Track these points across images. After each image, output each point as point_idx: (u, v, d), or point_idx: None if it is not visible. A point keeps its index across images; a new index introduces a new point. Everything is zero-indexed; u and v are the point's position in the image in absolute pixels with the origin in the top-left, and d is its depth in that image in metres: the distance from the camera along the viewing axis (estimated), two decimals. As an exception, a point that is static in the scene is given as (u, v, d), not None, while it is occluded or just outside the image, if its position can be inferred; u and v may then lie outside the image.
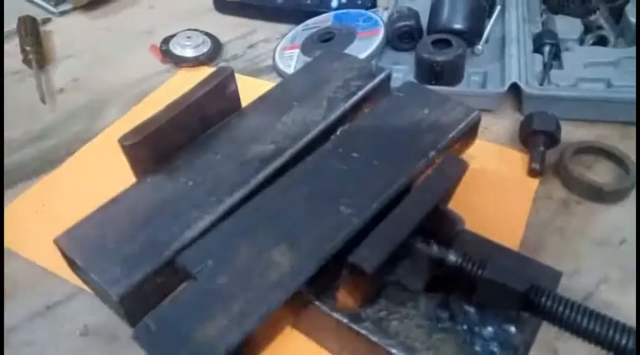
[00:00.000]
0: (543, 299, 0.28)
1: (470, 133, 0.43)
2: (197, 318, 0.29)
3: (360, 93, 0.45)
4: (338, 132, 0.41)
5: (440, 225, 0.32)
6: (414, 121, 0.42)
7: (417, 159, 0.38)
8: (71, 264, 0.34)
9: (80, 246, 0.34)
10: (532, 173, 0.49)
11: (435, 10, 0.63)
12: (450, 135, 0.41)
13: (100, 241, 0.34)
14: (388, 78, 0.47)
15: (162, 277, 0.32)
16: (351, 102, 0.44)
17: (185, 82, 0.66)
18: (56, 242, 0.34)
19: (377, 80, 0.46)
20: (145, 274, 0.32)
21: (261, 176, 0.38)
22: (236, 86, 0.43)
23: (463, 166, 0.34)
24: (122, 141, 0.36)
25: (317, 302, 0.33)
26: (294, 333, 0.36)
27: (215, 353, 0.28)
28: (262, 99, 0.45)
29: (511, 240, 0.44)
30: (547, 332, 0.34)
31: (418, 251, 0.30)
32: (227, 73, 0.41)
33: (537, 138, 0.50)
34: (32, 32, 0.71)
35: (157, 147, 0.38)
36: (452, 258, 0.30)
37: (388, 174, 0.37)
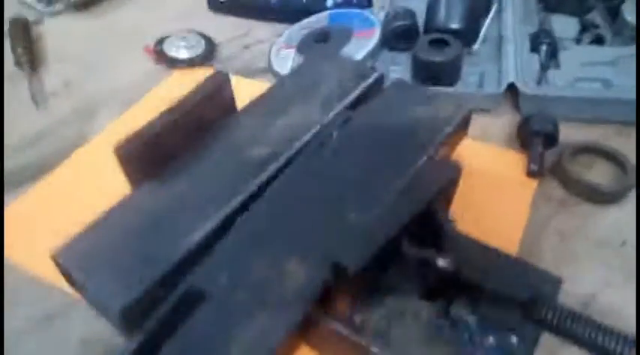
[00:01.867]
0: (544, 311, 0.27)
1: (462, 128, 0.43)
2: (220, 340, 0.28)
3: (355, 94, 0.44)
4: (333, 135, 0.40)
5: (431, 229, 0.32)
6: (408, 119, 0.42)
7: (416, 157, 0.38)
8: (69, 278, 0.34)
9: (77, 260, 0.33)
10: (531, 174, 0.49)
11: (431, 10, 0.62)
12: (445, 131, 0.41)
13: (97, 254, 0.33)
14: (381, 78, 0.47)
15: (163, 289, 0.31)
16: (345, 103, 0.44)
17: (178, 82, 0.66)
18: (53, 257, 0.33)
19: (370, 80, 0.46)
20: (145, 287, 0.31)
21: (258, 181, 0.37)
22: (232, 91, 0.43)
23: (457, 170, 0.34)
24: (117, 149, 0.36)
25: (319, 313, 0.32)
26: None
27: None
28: (257, 102, 0.45)
29: (510, 242, 0.44)
30: (549, 338, 0.33)
31: (406, 253, 0.30)
32: (223, 78, 0.41)
33: (535, 139, 0.50)
34: (24, 34, 0.70)
35: (152, 155, 0.37)
36: (441, 261, 0.30)
37: (390, 175, 0.36)
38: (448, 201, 0.36)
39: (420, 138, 0.40)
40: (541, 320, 0.28)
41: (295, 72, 0.49)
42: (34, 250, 0.45)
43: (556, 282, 0.33)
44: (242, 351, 0.28)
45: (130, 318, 0.30)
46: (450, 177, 0.33)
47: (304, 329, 0.32)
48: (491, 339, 0.31)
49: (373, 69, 0.47)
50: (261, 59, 0.68)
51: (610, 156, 0.50)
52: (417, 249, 0.29)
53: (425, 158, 0.38)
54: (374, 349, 0.31)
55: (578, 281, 0.42)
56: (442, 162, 0.35)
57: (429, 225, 0.31)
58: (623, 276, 0.42)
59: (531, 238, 0.45)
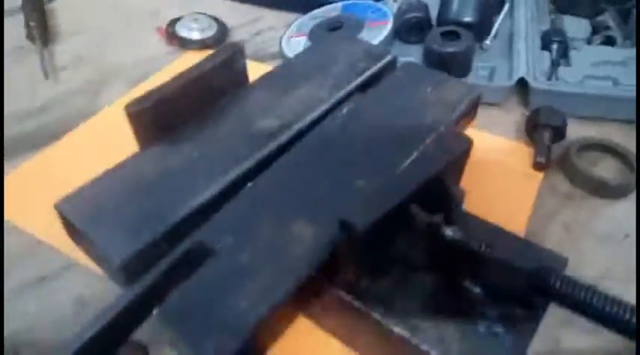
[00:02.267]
0: (552, 280, 0.27)
1: (472, 110, 0.44)
2: (224, 293, 0.28)
3: (367, 74, 0.44)
4: (344, 111, 0.40)
5: (441, 199, 0.32)
6: (419, 99, 0.42)
7: (426, 133, 0.38)
8: (71, 230, 0.34)
9: (81, 211, 0.33)
10: (537, 166, 0.49)
11: (444, 3, 0.62)
12: (457, 111, 0.41)
13: (102, 207, 0.33)
14: (394, 60, 0.47)
15: (166, 244, 0.31)
16: (357, 83, 0.44)
17: (189, 63, 0.66)
18: (57, 206, 0.33)
19: (383, 62, 0.46)
20: (149, 240, 0.31)
21: (267, 150, 0.37)
22: (244, 63, 0.43)
23: (467, 142, 0.34)
24: (128, 107, 0.36)
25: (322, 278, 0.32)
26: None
27: (245, 324, 0.27)
28: (268, 76, 0.45)
29: (514, 231, 0.44)
30: (550, 322, 0.33)
31: (414, 218, 0.30)
32: (237, 47, 0.41)
33: (543, 131, 0.50)
34: (37, 8, 0.71)
35: (163, 117, 0.37)
36: (448, 229, 0.30)
37: (400, 148, 0.36)
38: (458, 174, 0.36)
39: (430, 117, 0.40)
40: (548, 290, 0.27)
41: (308, 50, 0.49)
42: (35, 214, 0.45)
43: (562, 261, 0.33)
44: (245, 305, 0.27)
45: (131, 271, 0.30)
46: (461, 149, 0.33)
47: (308, 295, 0.32)
48: (495, 311, 0.30)
49: (386, 51, 0.47)
50: (273, 45, 0.68)
51: (616, 153, 0.50)
52: (425, 214, 0.29)
53: (434, 135, 0.38)
54: (375, 315, 0.30)
55: (581, 272, 0.41)
56: (453, 135, 0.35)
57: (438, 196, 0.31)
58: (624, 269, 0.42)
59: (537, 230, 0.45)
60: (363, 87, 0.44)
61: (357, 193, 0.33)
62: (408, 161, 0.35)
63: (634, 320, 0.25)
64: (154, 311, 0.28)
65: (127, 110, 0.35)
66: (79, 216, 0.32)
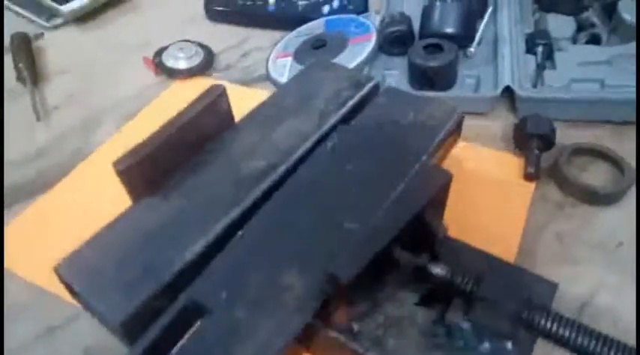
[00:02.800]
0: (538, 318, 0.28)
1: (456, 131, 0.44)
2: (222, 352, 0.29)
3: (351, 103, 0.45)
4: (328, 147, 0.41)
5: (424, 235, 0.32)
6: (401, 127, 0.42)
7: (410, 164, 0.38)
8: (71, 290, 0.35)
9: (79, 274, 0.34)
10: (528, 177, 0.50)
11: (426, 15, 0.62)
12: (440, 136, 0.41)
13: (98, 267, 0.34)
14: (377, 87, 0.47)
15: (163, 301, 0.32)
16: (342, 113, 0.44)
17: (178, 93, 0.67)
18: (56, 270, 0.34)
19: (366, 89, 0.46)
20: (145, 298, 0.32)
21: (255, 193, 0.38)
22: (228, 103, 0.43)
23: (446, 177, 0.34)
24: (116, 165, 0.36)
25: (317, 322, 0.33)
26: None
27: None
28: (254, 113, 0.45)
29: (508, 245, 0.45)
30: (544, 344, 0.34)
31: (400, 261, 0.30)
32: (219, 91, 0.41)
33: (532, 141, 0.50)
34: (25, 49, 0.71)
35: (152, 170, 0.38)
36: (436, 268, 0.31)
37: (385, 184, 0.37)
38: (440, 207, 0.37)
39: (415, 144, 0.40)
40: (536, 327, 0.28)
41: (291, 82, 0.50)
42: (36, 264, 0.46)
43: (551, 287, 0.33)
44: None
45: (131, 329, 0.31)
46: (440, 184, 0.33)
47: (304, 338, 0.33)
48: (486, 345, 0.31)
49: (369, 78, 0.47)
50: (260, 67, 0.69)
51: (607, 157, 0.50)
52: (410, 255, 0.30)
53: (418, 165, 0.38)
54: None
55: (575, 282, 0.42)
56: (432, 169, 0.36)
57: (422, 232, 0.32)
58: (619, 278, 0.42)
59: (529, 241, 0.45)
60: (348, 116, 0.45)
61: (345, 237, 0.34)
62: (393, 196, 0.35)
63: None
64: None
65: (116, 168, 0.36)
66: (77, 279, 0.33)
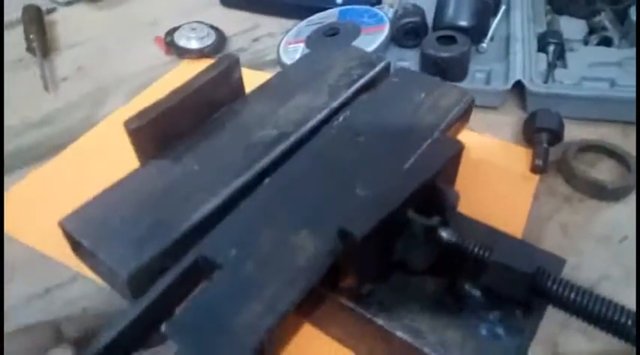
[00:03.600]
0: (550, 283, 0.28)
1: (466, 114, 0.44)
2: (230, 307, 0.29)
3: (362, 81, 0.45)
4: (340, 119, 0.41)
5: (436, 202, 0.32)
6: (413, 105, 0.42)
7: (422, 139, 0.39)
8: (76, 246, 0.34)
9: (86, 228, 0.33)
10: (535, 169, 0.49)
11: (440, 7, 0.63)
12: (450, 116, 0.41)
13: (106, 222, 0.34)
14: (388, 67, 0.47)
15: (171, 258, 0.32)
16: (352, 90, 0.44)
17: (187, 72, 0.66)
18: (61, 224, 0.34)
19: (377, 68, 0.46)
20: (154, 254, 0.32)
21: (266, 160, 0.38)
22: (241, 73, 0.43)
23: (459, 145, 0.35)
24: (127, 124, 0.36)
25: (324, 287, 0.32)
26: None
27: (254, 337, 0.27)
28: (265, 86, 0.45)
29: (512, 233, 0.44)
30: (548, 326, 0.34)
31: (412, 222, 0.30)
32: (233, 59, 0.41)
33: (541, 135, 0.50)
34: (36, 21, 0.71)
35: (162, 132, 0.38)
36: (444, 232, 0.31)
37: (397, 154, 0.37)
38: (452, 176, 0.37)
39: (425, 122, 0.41)
40: (547, 293, 0.28)
41: (303, 59, 0.50)
42: (36, 228, 0.46)
43: (559, 262, 0.33)
44: (252, 318, 0.28)
45: (137, 285, 0.31)
46: (452, 152, 0.34)
47: (311, 304, 0.32)
48: (495, 313, 0.31)
49: (380, 57, 0.47)
50: (270, 52, 0.69)
51: (614, 155, 0.50)
52: (422, 217, 0.30)
53: (429, 140, 0.38)
54: (378, 321, 0.31)
55: (579, 273, 0.42)
56: (445, 140, 0.36)
57: (434, 200, 0.32)
58: (623, 271, 0.42)
59: (534, 232, 0.45)
60: (359, 94, 0.45)
61: (357, 201, 0.34)
62: (405, 167, 0.35)
63: (632, 324, 0.25)
64: (163, 327, 0.28)
65: (126, 127, 0.36)
66: (84, 232, 0.33)
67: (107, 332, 0.29)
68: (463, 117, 0.44)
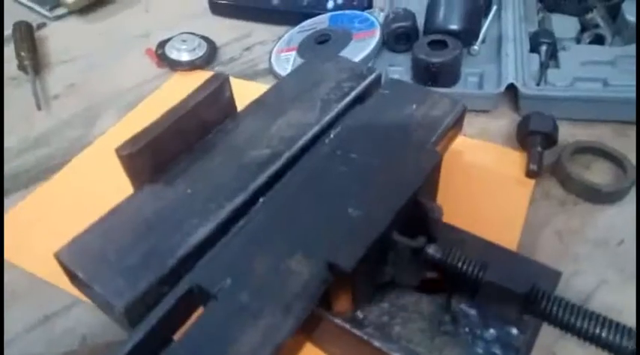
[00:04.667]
0: (544, 302, 0.28)
1: (458, 124, 0.44)
2: (228, 337, 0.29)
3: (353, 94, 0.45)
4: (332, 135, 0.41)
5: (419, 218, 0.32)
6: (405, 117, 0.42)
7: (415, 153, 0.38)
8: (72, 277, 0.34)
9: (81, 259, 0.33)
10: (530, 174, 0.49)
11: (430, 11, 0.62)
12: (442, 128, 0.41)
13: (101, 253, 0.34)
14: (379, 78, 0.47)
15: (167, 286, 0.32)
16: (344, 104, 0.44)
17: (180, 85, 0.67)
18: (57, 256, 0.34)
19: (368, 81, 0.46)
20: (149, 284, 0.32)
21: (259, 180, 0.38)
22: (231, 92, 0.43)
23: (437, 158, 0.35)
24: (119, 151, 0.36)
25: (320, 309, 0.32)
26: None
27: None
28: (256, 103, 0.45)
29: (508, 240, 0.44)
30: (546, 336, 0.34)
31: (398, 244, 0.30)
32: (222, 79, 0.41)
33: (534, 138, 0.50)
34: (27, 38, 0.71)
35: (155, 156, 0.38)
36: (431, 249, 0.31)
37: (387, 171, 0.37)
38: (433, 190, 0.37)
39: (418, 134, 0.41)
40: (541, 313, 0.28)
41: (294, 73, 0.49)
42: (34, 253, 0.46)
43: (555, 276, 0.33)
44: (250, 349, 0.28)
45: (133, 315, 0.31)
46: (432, 165, 0.34)
47: (308, 326, 0.33)
48: (492, 331, 0.31)
49: (371, 69, 0.47)
50: (263, 61, 0.68)
51: (609, 156, 0.50)
52: (407, 239, 0.30)
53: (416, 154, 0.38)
54: (376, 343, 0.31)
55: (576, 279, 0.42)
56: (422, 151, 0.36)
57: (417, 215, 0.32)
58: (620, 275, 0.42)
59: (530, 237, 0.45)
60: (350, 107, 0.44)
61: (346, 225, 0.34)
62: (391, 186, 0.35)
63: (632, 344, 0.25)
64: None
65: (118, 154, 0.36)
66: (79, 264, 0.33)
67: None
68: (455, 127, 0.44)
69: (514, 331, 0.31)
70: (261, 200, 0.37)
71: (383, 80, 0.49)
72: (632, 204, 0.47)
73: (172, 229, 0.35)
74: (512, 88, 0.56)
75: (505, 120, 0.56)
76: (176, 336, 0.32)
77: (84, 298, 0.40)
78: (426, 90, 0.45)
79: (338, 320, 0.32)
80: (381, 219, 0.30)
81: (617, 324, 0.27)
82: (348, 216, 0.34)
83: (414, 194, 0.32)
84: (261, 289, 0.31)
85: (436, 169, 0.36)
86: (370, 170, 0.37)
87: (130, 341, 0.30)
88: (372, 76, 0.46)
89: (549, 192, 0.49)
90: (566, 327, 0.28)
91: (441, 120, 0.42)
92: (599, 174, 0.50)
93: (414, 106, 0.43)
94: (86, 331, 0.41)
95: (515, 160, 0.52)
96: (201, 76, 0.66)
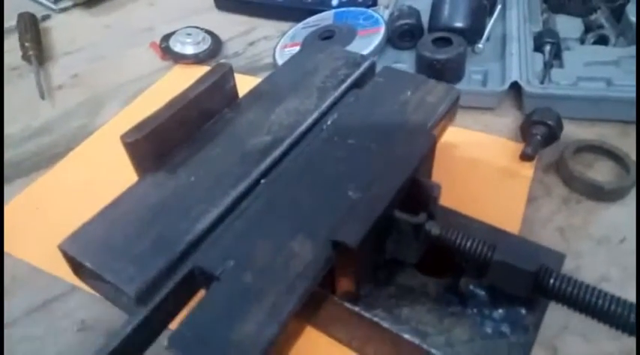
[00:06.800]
0: (553, 280, 0.28)
1: (452, 110, 0.44)
2: (231, 318, 0.29)
3: (348, 82, 0.45)
4: (329, 122, 0.41)
5: (419, 196, 0.32)
6: (400, 104, 0.42)
7: (411, 137, 0.38)
8: (78, 268, 0.34)
9: (88, 249, 0.33)
10: (524, 157, 0.50)
11: (435, 9, 0.62)
12: (438, 113, 0.42)
13: (107, 242, 0.33)
14: (373, 66, 0.48)
15: (176, 272, 0.32)
16: (340, 91, 0.44)
17: (181, 77, 0.67)
18: (61, 247, 0.33)
19: (363, 68, 0.47)
20: (159, 269, 0.31)
21: (262, 167, 0.38)
22: (234, 82, 0.43)
23: (432, 139, 0.35)
24: (124, 138, 0.36)
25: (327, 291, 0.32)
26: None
27: (257, 346, 0.27)
28: (254, 92, 0.45)
29: (509, 229, 0.44)
30: (547, 330, 0.34)
31: (399, 221, 0.30)
32: (226, 68, 0.41)
33: (535, 127, 0.50)
34: (31, 28, 0.71)
35: (159, 144, 0.38)
36: (429, 224, 0.31)
37: (384, 154, 0.37)
38: (429, 170, 0.38)
39: (413, 120, 0.41)
40: (550, 291, 0.28)
41: (289, 62, 0.50)
42: (36, 244, 0.45)
43: (559, 257, 0.33)
44: (254, 328, 0.28)
45: (145, 301, 0.31)
46: (429, 144, 0.34)
47: (313, 309, 0.33)
48: (500, 311, 0.31)
49: (365, 57, 0.48)
50: (266, 56, 0.69)
51: (612, 155, 0.50)
52: (408, 215, 0.30)
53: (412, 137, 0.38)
54: (384, 323, 0.31)
55: (578, 276, 0.41)
56: (418, 134, 0.37)
57: (417, 195, 0.32)
58: (622, 272, 0.42)
59: (532, 234, 0.45)
60: (346, 94, 0.45)
61: (349, 204, 0.34)
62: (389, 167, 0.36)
63: (633, 317, 0.26)
64: (165, 340, 0.28)
65: (124, 141, 0.36)
66: (86, 254, 0.32)
67: (106, 345, 0.29)
68: (449, 114, 0.44)
69: (522, 310, 0.31)
70: (260, 185, 0.37)
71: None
72: (634, 203, 0.47)
73: (179, 216, 0.35)
74: (516, 87, 0.56)
75: (509, 118, 0.56)
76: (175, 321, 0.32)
77: (84, 285, 0.40)
78: (421, 77, 0.45)
79: (347, 304, 0.32)
80: (382, 197, 0.30)
81: (625, 301, 0.28)
82: (349, 198, 0.34)
83: (413, 173, 0.32)
84: (264, 270, 0.31)
85: (432, 151, 0.36)
86: (368, 154, 0.38)
87: (130, 325, 0.30)
88: (367, 64, 0.47)
89: (552, 189, 0.49)
90: (575, 304, 0.28)
91: (437, 105, 0.42)
92: (601, 172, 0.50)
93: (409, 93, 0.43)
94: (85, 316, 0.41)
95: (515, 152, 0.51)
96: (201, 70, 0.66)
